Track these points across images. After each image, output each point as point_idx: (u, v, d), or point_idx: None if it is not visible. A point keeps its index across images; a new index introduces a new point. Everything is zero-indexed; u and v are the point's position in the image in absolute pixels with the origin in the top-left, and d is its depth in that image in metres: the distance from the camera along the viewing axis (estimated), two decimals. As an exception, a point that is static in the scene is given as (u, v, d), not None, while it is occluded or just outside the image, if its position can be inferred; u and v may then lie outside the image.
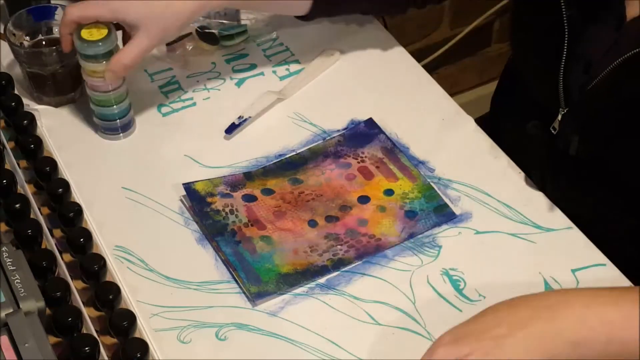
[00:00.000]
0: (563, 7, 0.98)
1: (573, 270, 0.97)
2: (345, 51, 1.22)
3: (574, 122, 1.01)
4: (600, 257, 0.97)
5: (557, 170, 1.04)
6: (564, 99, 1.02)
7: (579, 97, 1.00)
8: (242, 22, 1.23)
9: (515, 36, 1.14)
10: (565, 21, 0.99)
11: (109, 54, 1.03)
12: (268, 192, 1.04)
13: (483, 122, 1.14)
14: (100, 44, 1.02)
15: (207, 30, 1.20)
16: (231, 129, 1.11)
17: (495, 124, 1.19)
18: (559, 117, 1.03)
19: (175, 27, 1.04)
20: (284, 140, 1.11)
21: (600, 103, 0.99)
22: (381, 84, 1.19)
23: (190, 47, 1.20)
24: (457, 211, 1.02)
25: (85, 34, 1.03)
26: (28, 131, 1.05)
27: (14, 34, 1.11)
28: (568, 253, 0.98)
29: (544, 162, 1.05)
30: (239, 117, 1.12)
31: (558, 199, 1.03)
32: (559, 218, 1.01)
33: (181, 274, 0.96)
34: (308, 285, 0.96)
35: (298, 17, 1.16)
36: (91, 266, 0.90)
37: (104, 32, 1.03)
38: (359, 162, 1.08)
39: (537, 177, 1.04)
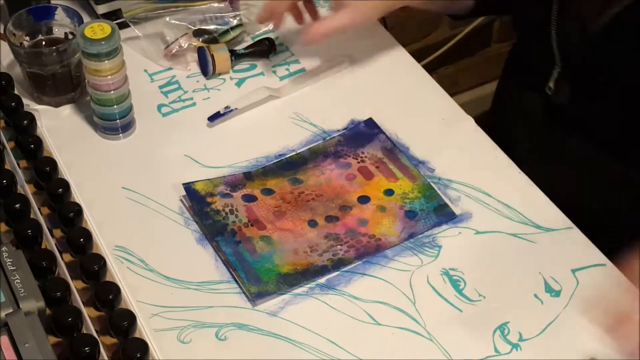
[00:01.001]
0: None
1: (573, 270, 0.97)
2: (345, 51, 1.22)
3: (570, 80, 1.03)
4: (601, 257, 0.97)
5: (549, 131, 1.06)
6: (559, 57, 1.03)
7: (575, 53, 1.02)
8: (237, 18, 1.23)
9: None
10: None
11: (111, 53, 1.03)
12: (268, 192, 1.04)
13: (483, 119, 1.14)
14: (103, 42, 1.02)
15: (203, 28, 1.21)
16: (214, 117, 1.11)
17: (498, 122, 1.19)
18: (555, 75, 1.04)
19: (374, 15, 1.13)
20: (284, 140, 1.11)
21: (595, 58, 1.00)
22: (381, 84, 1.19)
23: (186, 45, 1.20)
24: (457, 211, 1.03)
25: (88, 32, 1.03)
26: (28, 131, 1.05)
27: (14, 34, 1.11)
28: (568, 253, 0.98)
29: (537, 128, 1.07)
30: (226, 107, 1.12)
31: (541, 173, 1.04)
32: (559, 218, 1.01)
33: (181, 274, 0.96)
34: (308, 285, 0.96)
35: (452, 17, 1.21)
36: (91, 266, 0.90)
37: (108, 30, 1.03)
38: (359, 162, 1.08)
39: (524, 149, 1.05)
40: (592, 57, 1.01)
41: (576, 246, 0.98)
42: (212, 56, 1.17)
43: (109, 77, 1.05)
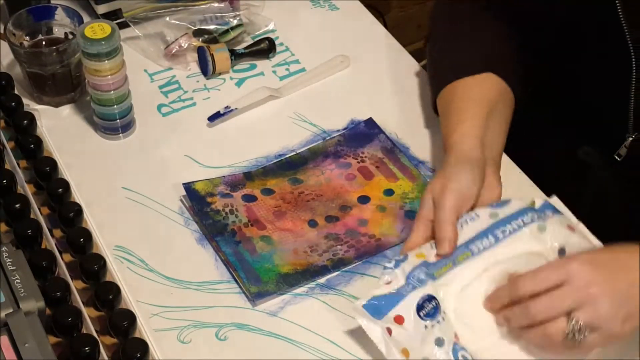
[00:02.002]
0: (626, 30, 0.94)
1: (573, 270, 0.97)
2: (345, 51, 1.22)
3: None
4: (600, 257, 0.97)
5: (620, 193, 1.03)
6: (633, 125, 0.99)
7: None
8: (237, 18, 1.23)
9: (565, 67, 1.07)
10: (630, 45, 0.95)
11: (111, 53, 1.03)
12: (268, 192, 1.04)
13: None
14: (103, 42, 1.02)
15: (203, 28, 1.21)
16: (214, 117, 1.11)
17: (526, 153, 1.11)
18: (627, 144, 1.01)
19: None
20: (284, 140, 1.11)
21: None
22: (381, 84, 1.19)
23: (186, 45, 1.20)
24: (457, 211, 1.02)
25: (88, 32, 1.03)
26: (28, 131, 1.05)
27: (14, 34, 1.11)
28: (568, 253, 0.98)
29: (599, 185, 1.04)
30: (226, 107, 1.12)
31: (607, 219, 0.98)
32: (559, 218, 1.01)
33: (181, 274, 0.96)
34: (308, 285, 0.96)
35: None
36: (91, 266, 0.90)
37: (108, 30, 1.03)
38: (359, 162, 1.08)
39: (588, 199, 1.02)
40: None
41: (576, 246, 0.98)
42: (212, 56, 1.17)
43: (109, 77, 1.05)
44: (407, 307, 0.85)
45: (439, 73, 1.07)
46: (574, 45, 1.03)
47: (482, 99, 1.00)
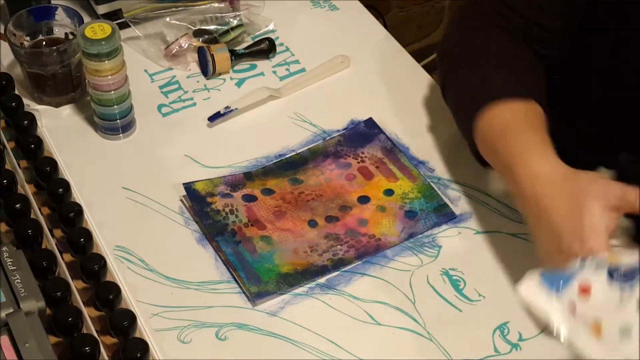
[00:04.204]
0: None
1: (573, 270, 0.97)
2: (345, 51, 1.22)
3: None
4: (600, 257, 0.97)
5: None
6: None
7: None
8: (237, 18, 1.23)
9: (608, 94, 1.01)
10: None
11: (112, 53, 1.03)
12: (268, 192, 1.04)
13: None
14: (103, 42, 1.03)
15: (203, 28, 1.21)
16: (215, 117, 1.12)
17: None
18: None
19: None
20: (284, 140, 1.11)
21: None
22: (381, 84, 1.19)
23: (186, 45, 1.20)
24: (457, 211, 1.03)
25: (88, 32, 1.03)
26: (28, 131, 1.05)
27: (14, 34, 1.11)
28: (568, 253, 0.98)
29: None
30: (226, 107, 1.12)
31: None
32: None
33: (181, 274, 0.96)
34: (308, 285, 0.96)
35: None
36: (91, 266, 0.90)
37: (108, 30, 1.03)
38: (359, 162, 1.08)
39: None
40: None
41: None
42: (212, 56, 1.17)
43: (109, 77, 1.05)
44: (593, 273, 0.73)
45: (474, 95, 0.98)
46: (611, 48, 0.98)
47: (535, 122, 0.93)
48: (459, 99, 1.02)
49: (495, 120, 0.94)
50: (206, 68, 1.18)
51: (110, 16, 1.22)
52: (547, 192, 0.85)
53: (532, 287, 0.75)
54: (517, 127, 0.92)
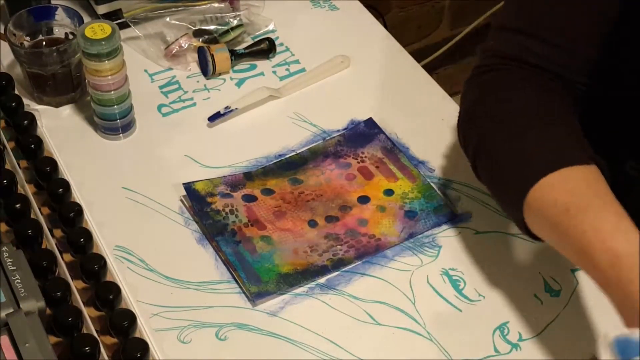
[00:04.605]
0: None
1: (573, 271, 0.97)
2: (345, 51, 1.22)
3: None
4: (600, 257, 0.97)
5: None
6: None
7: None
8: (237, 18, 1.23)
9: (617, 93, 0.97)
10: None
11: (112, 53, 1.03)
12: (268, 192, 1.04)
13: None
14: (103, 42, 1.03)
15: (203, 28, 1.21)
16: (215, 117, 1.12)
17: None
18: None
19: None
20: (284, 140, 1.11)
21: None
22: (381, 84, 1.19)
23: (186, 45, 1.20)
24: (457, 211, 1.03)
25: (88, 32, 1.03)
26: (28, 131, 1.05)
27: (14, 34, 1.11)
28: (568, 253, 0.98)
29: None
30: (226, 107, 1.12)
31: None
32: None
33: (181, 274, 0.96)
34: (308, 285, 0.96)
35: None
36: (91, 266, 0.90)
37: (108, 30, 1.03)
38: (358, 162, 1.08)
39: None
40: None
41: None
42: (212, 56, 1.17)
43: (109, 77, 1.05)
44: None
45: (521, 167, 0.86)
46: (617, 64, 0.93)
47: (601, 190, 0.82)
48: (502, 173, 0.90)
49: (554, 194, 0.82)
50: (206, 68, 1.18)
51: (110, 16, 1.22)
52: (633, 277, 0.75)
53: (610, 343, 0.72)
54: (583, 201, 0.81)
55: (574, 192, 0.81)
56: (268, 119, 1.14)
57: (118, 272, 0.95)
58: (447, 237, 1.00)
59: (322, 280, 0.96)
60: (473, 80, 0.98)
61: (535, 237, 0.87)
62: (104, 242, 0.97)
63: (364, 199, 1.04)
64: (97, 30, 1.03)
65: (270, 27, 1.25)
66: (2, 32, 1.15)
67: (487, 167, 0.92)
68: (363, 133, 1.11)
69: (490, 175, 0.92)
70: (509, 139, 0.89)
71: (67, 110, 1.15)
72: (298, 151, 1.09)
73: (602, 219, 0.78)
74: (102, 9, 1.22)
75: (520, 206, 0.84)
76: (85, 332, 0.85)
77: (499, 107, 0.92)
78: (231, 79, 1.19)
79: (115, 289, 0.89)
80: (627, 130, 0.98)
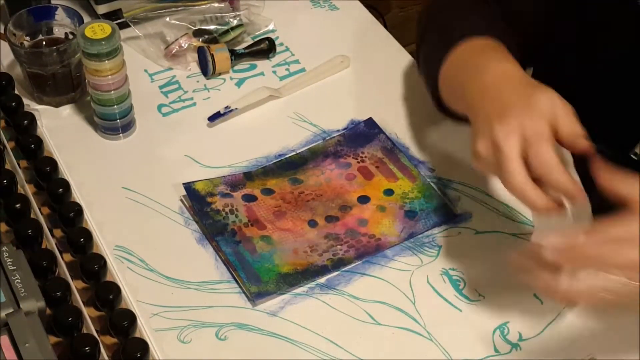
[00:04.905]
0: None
1: (573, 270, 0.97)
2: (345, 51, 1.22)
3: None
4: (600, 257, 0.97)
5: None
6: None
7: None
8: (237, 18, 1.23)
9: (582, 69, 1.03)
10: None
11: (112, 53, 1.03)
12: (268, 192, 1.04)
13: None
14: (103, 42, 1.03)
15: (203, 28, 1.21)
16: (214, 117, 1.12)
17: None
18: None
19: None
20: (284, 140, 1.11)
21: None
22: (381, 84, 1.19)
23: (186, 45, 1.20)
24: (457, 211, 1.03)
25: (88, 32, 1.03)
26: (28, 131, 1.05)
27: (14, 34, 1.11)
28: (568, 253, 0.98)
29: None
30: (226, 107, 1.12)
31: None
32: (559, 218, 1.01)
33: (181, 274, 0.96)
34: (308, 285, 0.96)
35: None
36: (91, 266, 0.90)
37: (108, 30, 1.03)
38: (358, 162, 1.08)
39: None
40: None
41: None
42: (212, 56, 1.17)
43: (109, 77, 1.05)
44: None
45: (442, 41, 0.99)
46: (588, 43, 0.99)
47: (500, 48, 0.94)
48: (427, 56, 1.03)
49: (460, 56, 0.94)
50: (206, 68, 1.18)
51: (110, 16, 1.22)
52: (505, 82, 0.86)
53: None
54: (479, 52, 0.92)
55: (476, 50, 0.93)
56: (268, 119, 1.14)
57: (118, 272, 0.95)
58: (447, 237, 1.00)
59: (322, 280, 0.96)
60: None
61: (446, 112, 1.00)
62: (104, 242, 0.97)
63: (364, 199, 1.04)
64: (97, 30, 1.03)
65: (270, 27, 1.26)
66: (2, 32, 1.15)
67: (421, 57, 1.06)
68: (363, 133, 1.11)
69: (422, 64, 1.06)
70: (438, 33, 1.02)
71: (67, 110, 1.15)
72: (298, 151, 1.09)
73: (491, 57, 0.90)
74: (102, 9, 1.22)
75: (437, 78, 0.97)
76: (85, 332, 0.86)
77: (442, 15, 1.05)
78: (231, 78, 1.19)
79: (115, 289, 0.89)
80: (629, 117, 1.00)
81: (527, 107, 0.82)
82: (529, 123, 0.81)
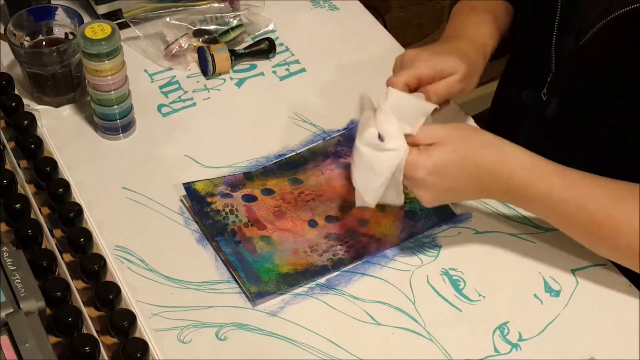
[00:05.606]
0: None
1: (573, 270, 0.97)
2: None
3: (560, 85, 1.04)
4: (600, 257, 0.97)
5: (540, 136, 1.06)
6: (555, 64, 1.04)
7: (566, 59, 1.03)
8: (237, 18, 1.23)
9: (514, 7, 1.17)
10: None
11: (112, 53, 1.03)
12: (268, 192, 1.04)
13: (482, 119, 1.14)
14: (103, 42, 1.03)
15: (203, 28, 1.21)
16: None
17: (497, 122, 1.19)
18: (549, 82, 1.05)
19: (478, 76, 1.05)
20: (284, 140, 1.11)
21: (585, 65, 1.00)
22: (381, 84, 1.19)
23: (186, 45, 1.20)
24: (457, 211, 1.03)
25: (88, 32, 1.03)
26: (28, 131, 1.05)
27: (14, 34, 1.11)
28: (568, 253, 0.98)
29: (536, 130, 1.08)
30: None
31: None
32: (559, 218, 1.01)
33: (181, 274, 0.96)
34: (308, 285, 0.96)
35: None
36: (91, 266, 0.90)
37: (108, 31, 1.03)
38: (359, 162, 1.08)
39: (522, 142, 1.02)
40: (583, 64, 1.02)
41: (576, 246, 0.98)
42: (212, 56, 1.17)
43: (109, 77, 1.05)
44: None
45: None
46: None
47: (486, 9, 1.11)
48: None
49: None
50: (206, 68, 1.18)
51: (110, 16, 1.22)
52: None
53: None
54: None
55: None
56: (268, 119, 1.14)
57: (118, 272, 0.95)
58: (447, 237, 1.00)
59: (322, 280, 0.96)
60: None
61: None
62: (104, 242, 0.97)
63: (364, 199, 1.04)
64: (97, 30, 1.03)
65: (270, 27, 1.26)
66: (2, 32, 1.15)
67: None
68: (363, 133, 1.11)
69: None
70: None
71: (67, 110, 1.15)
72: (298, 151, 1.09)
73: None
74: (102, 9, 1.22)
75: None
76: (85, 332, 0.86)
77: None
78: (231, 79, 1.19)
79: (115, 289, 0.89)
80: (524, 61, 1.15)
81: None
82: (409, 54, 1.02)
